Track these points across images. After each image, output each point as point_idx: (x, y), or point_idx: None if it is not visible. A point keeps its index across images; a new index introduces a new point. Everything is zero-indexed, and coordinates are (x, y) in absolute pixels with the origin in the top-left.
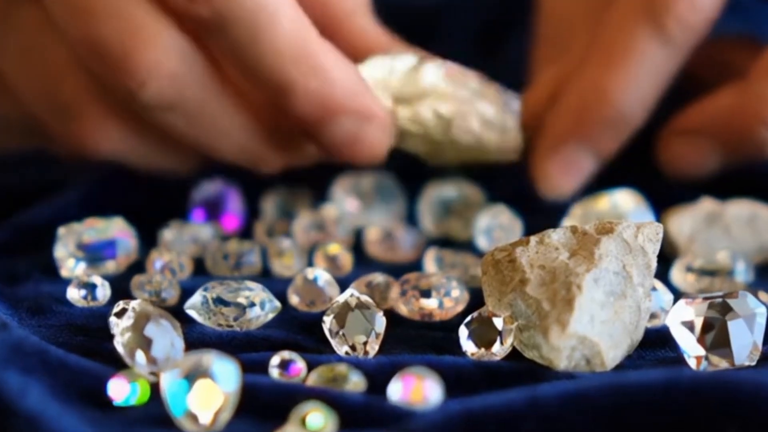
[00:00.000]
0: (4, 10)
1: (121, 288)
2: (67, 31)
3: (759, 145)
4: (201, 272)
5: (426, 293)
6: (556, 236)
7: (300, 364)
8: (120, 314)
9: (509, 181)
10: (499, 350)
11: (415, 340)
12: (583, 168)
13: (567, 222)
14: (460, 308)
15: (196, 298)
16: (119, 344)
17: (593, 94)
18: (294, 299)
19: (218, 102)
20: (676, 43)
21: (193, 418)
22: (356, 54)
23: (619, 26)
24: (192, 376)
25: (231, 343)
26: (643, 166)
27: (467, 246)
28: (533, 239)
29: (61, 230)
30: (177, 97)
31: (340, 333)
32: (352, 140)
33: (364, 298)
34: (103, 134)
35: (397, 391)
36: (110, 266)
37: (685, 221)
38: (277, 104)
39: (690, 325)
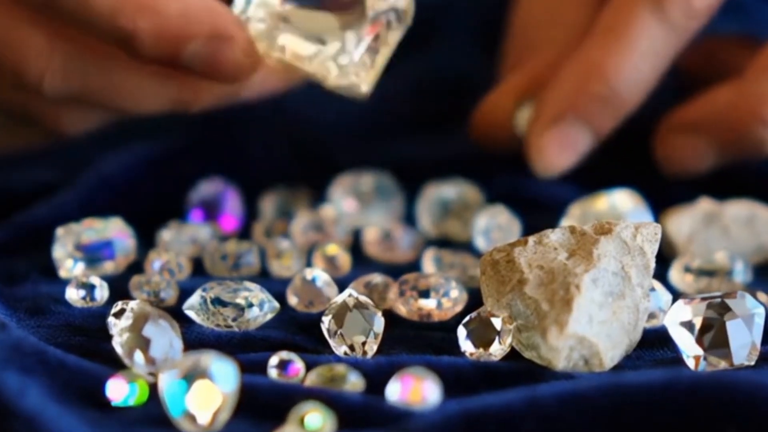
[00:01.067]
0: None
1: (119, 288)
2: None
3: (755, 142)
4: (199, 273)
5: (425, 293)
6: (554, 236)
7: (298, 365)
8: (118, 314)
9: (507, 180)
10: (497, 350)
11: (414, 340)
12: (578, 144)
13: (565, 222)
14: (458, 309)
15: (195, 298)
16: (118, 344)
17: (590, 70)
18: (293, 300)
19: (109, 71)
20: (677, 26)
21: (192, 418)
22: None
23: (620, 6)
24: (190, 377)
25: (229, 344)
26: (642, 166)
27: (466, 246)
28: (532, 239)
29: (60, 231)
30: (77, 85)
31: (339, 333)
32: (212, 64)
33: (363, 298)
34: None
35: (395, 391)
36: (109, 267)
37: (684, 221)
38: (133, 55)
39: (688, 326)
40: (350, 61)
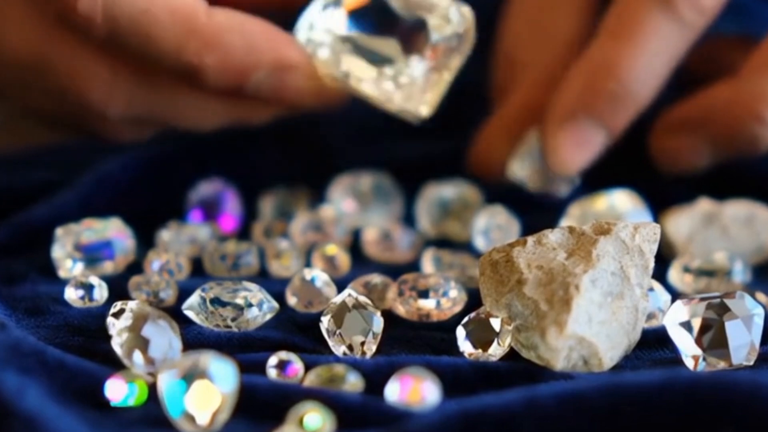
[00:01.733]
0: None
1: (118, 288)
2: (27, 87)
3: (751, 140)
4: (199, 273)
5: (424, 294)
6: (553, 237)
7: (298, 365)
8: (118, 315)
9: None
10: (496, 351)
11: (413, 340)
12: (593, 143)
13: (564, 222)
14: (457, 309)
15: (194, 298)
16: (117, 345)
17: (601, 68)
18: (292, 300)
19: (172, 97)
20: (687, 23)
21: (191, 418)
22: None
23: (628, 5)
24: (189, 377)
25: (229, 344)
26: (641, 167)
27: (465, 246)
28: (531, 240)
29: (59, 231)
30: (140, 110)
31: (338, 333)
32: (277, 92)
33: (362, 298)
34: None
35: (394, 391)
36: (108, 267)
37: (683, 222)
38: (198, 86)
39: (687, 326)
40: (412, 85)
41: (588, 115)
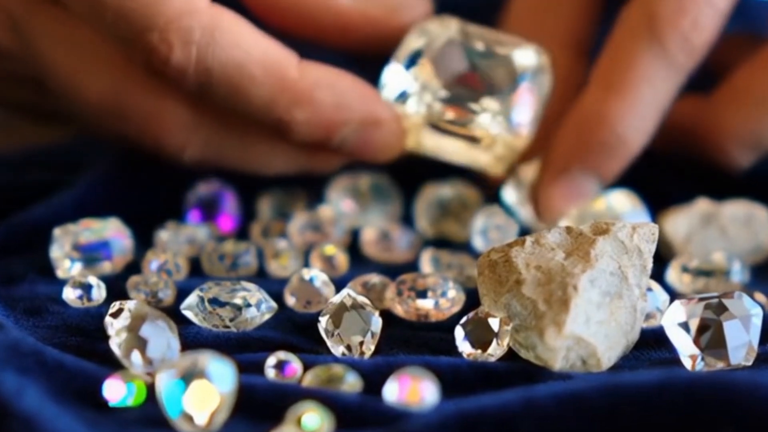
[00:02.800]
0: None
1: (117, 289)
2: (103, 129)
3: (712, 161)
4: (197, 273)
5: (422, 294)
6: (552, 237)
7: (296, 365)
8: (116, 315)
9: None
10: (495, 351)
11: (412, 340)
12: (585, 193)
13: (563, 222)
14: (456, 309)
15: (192, 298)
16: (115, 345)
17: (594, 119)
18: (290, 300)
19: (249, 146)
20: (678, 64)
21: (189, 418)
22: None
23: (620, 47)
24: (188, 377)
25: (227, 344)
26: (640, 167)
27: (464, 247)
28: (529, 240)
29: (57, 231)
30: (214, 155)
31: (336, 333)
32: (362, 147)
33: (360, 298)
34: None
35: (393, 391)
36: (106, 267)
37: (681, 222)
38: (285, 139)
39: (686, 326)
40: (504, 123)
41: (582, 167)
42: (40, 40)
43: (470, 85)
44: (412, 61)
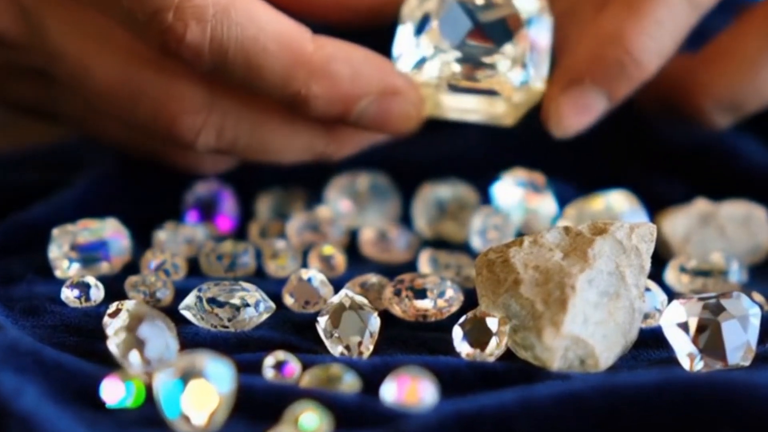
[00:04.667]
0: None
1: (115, 289)
2: (114, 116)
3: (692, 120)
4: (195, 273)
5: (420, 294)
6: (550, 237)
7: (294, 365)
8: (114, 315)
9: None
10: (493, 351)
11: (410, 340)
12: (593, 109)
13: (561, 222)
14: (454, 309)
15: (191, 298)
16: (113, 345)
17: (609, 37)
18: (288, 300)
19: (264, 128)
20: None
21: (187, 419)
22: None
23: None
24: (186, 377)
25: (225, 344)
26: (638, 167)
27: (462, 247)
28: (527, 240)
29: (55, 231)
30: (229, 140)
31: (335, 333)
32: (381, 119)
33: (359, 298)
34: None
35: (391, 391)
36: (104, 267)
37: (680, 222)
38: (303, 115)
39: (684, 326)
40: (522, 71)
41: (593, 81)
42: (49, 27)
43: (480, 41)
44: (420, 28)
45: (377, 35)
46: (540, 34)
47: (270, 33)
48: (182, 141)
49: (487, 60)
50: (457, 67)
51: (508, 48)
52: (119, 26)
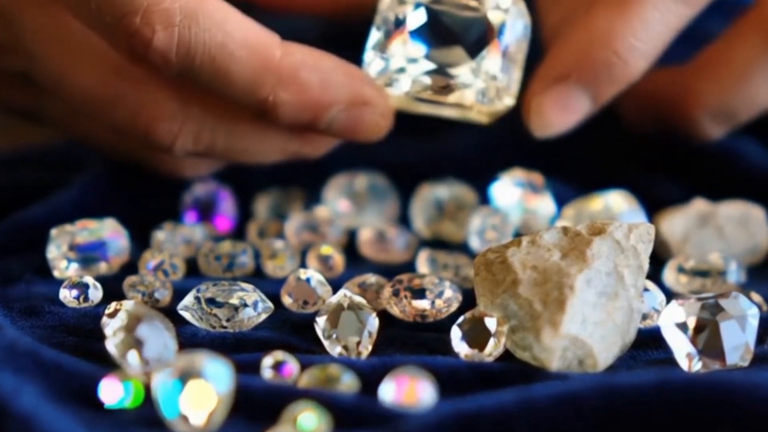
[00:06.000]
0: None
1: (113, 289)
2: (93, 119)
3: (685, 131)
4: (194, 273)
5: (419, 294)
6: (548, 237)
7: (293, 365)
8: (112, 315)
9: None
10: (491, 351)
11: (408, 340)
12: (577, 109)
13: (559, 223)
14: (452, 309)
15: (189, 299)
16: (112, 345)
17: (596, 36)
18: (287, 300)
19: (238, 132)
20: (691, 1)
21: (186, 419)
22: None
23: None
24: (185, 377)
25: (223, 344)
26: (636, 167)
27: (460, 247)
28: (525, 240)
29: (54, 231)
30: (206, 145)
31: (333, 334)
32: (351, 128)
33: (357, 298)
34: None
35: (390, 391)
36: (103, 267)
37: (678, 222)
38: (271, 122)
39: (682, 326)
40: (494, 87)
41: (578, 80)
42: (26, 30)
43: (449, 52)
44: (388, 35)
45: (352, 47)
46: (513, 38)
47: (238, 38)
48: (160, 145)
49: (456, 72)
50: (426, 82)
51: (479, 62)
52: (96, 33)
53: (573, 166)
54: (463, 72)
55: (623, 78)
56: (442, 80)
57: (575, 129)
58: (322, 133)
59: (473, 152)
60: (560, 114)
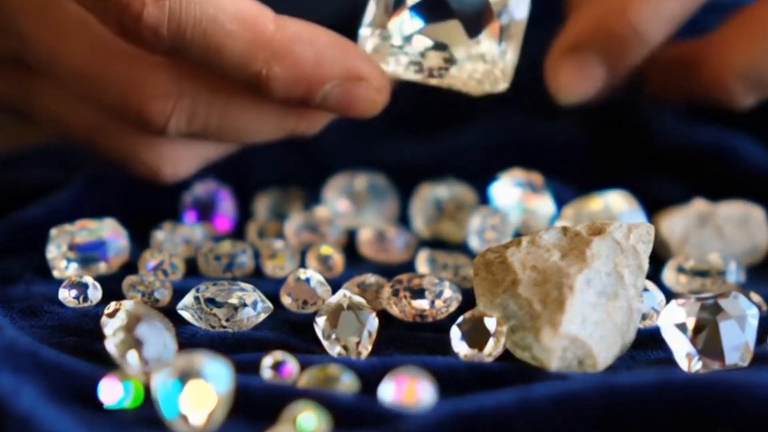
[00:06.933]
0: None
1: (113, 289)
2: (81, 98)
3: (716, 101)
4: (193, 273)
5: (418, 294)
6: (547, 237)
7: (292, 365)
8: (112, 315)
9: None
10: (491, 351)
11: (408, 340)
12: (594, 77)
13: (559, 223)
14: (452, 309)
15: (189, 298)
16: (111, 345)
17: (614, 7)
18: (286, 300)
19: (233, 110)
20: None
21: (186, 419)
22: None
23: None
24: (184, 377)
25: (223, 344)
26: (636, 167)
27: (460, 247)
28: (525, 240)
29: (53, 231)
30: (200, 124)
31: (333, 334)
32: (346, 104)
33: (357, 298)
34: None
35: (389, 391)
36: (102, 267)
37: (677, 222)
38: (265, 97)
39: (682, 326)
40: (488, 66)
41: (594, 50)
42: (20, 12)
43: (448, 30)
44: (386, 11)
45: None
46: (513, 20)
47: (230, 12)
48: (153, 125)
49: (453, 53)
50: (421, 62)
51: (476, 43)
52: (82, 6)
53: (573, 166)
54: (459, 53)
55: (639, 51)
56: (438, 62)
57: (575, 129)
58: (317, 109)
59: (473, 152)
60: (578, 81)
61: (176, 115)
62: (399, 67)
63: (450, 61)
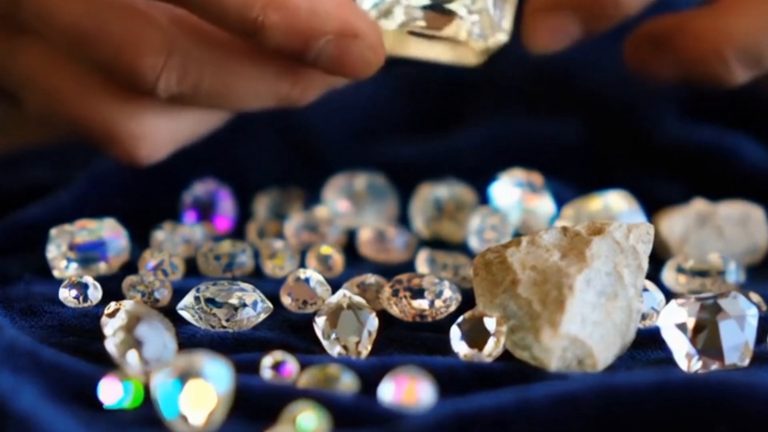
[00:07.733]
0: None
1: (113, 289)
2: (72, 55)
3: (712, 76)
4: (193, 273)
5: (418, 294)
6: (547, 237)
7: (292, 365)
8: (112, 315)
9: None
10: (491, 351)
11: (407, 340)
12: (568, 34)
13: (559, 223)
14: (452, 309)
15: (189, 298)
16: (111, 345)
17: None
18: (286, 300)
19: (227, 69)
20: None
21: (185, 419)
22: None
23: None
24: (184, 377)
25: (223, 344)
26: (636, 167)
27: (459, 247)
28: (524, 240)
29: (53, 231)
30: (191, 85)
31: (333, 334)
32: (340, 61)
33: (357, 298)
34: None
35: (389, 391)
36: (102, 267)
37: (677, 222)
38: (259, 45)
39: (681, 326)
40: (486, 21)
41: (572, 11)
42: None
43: None
44: None
45: None
46: None
47: None
48: (143, 83)
49: (451, 7)
50: (420, 15)
51: None
52: None
53: (573, 166)
54: (457, 6)
55: (615, 15)
56: (436, 17)
57: (574, 129)
58: (311, 68)
59: (473, 152)
60: (552, 37)
61: (167, 72)
62: (396, 23)
63: (446, 12)
